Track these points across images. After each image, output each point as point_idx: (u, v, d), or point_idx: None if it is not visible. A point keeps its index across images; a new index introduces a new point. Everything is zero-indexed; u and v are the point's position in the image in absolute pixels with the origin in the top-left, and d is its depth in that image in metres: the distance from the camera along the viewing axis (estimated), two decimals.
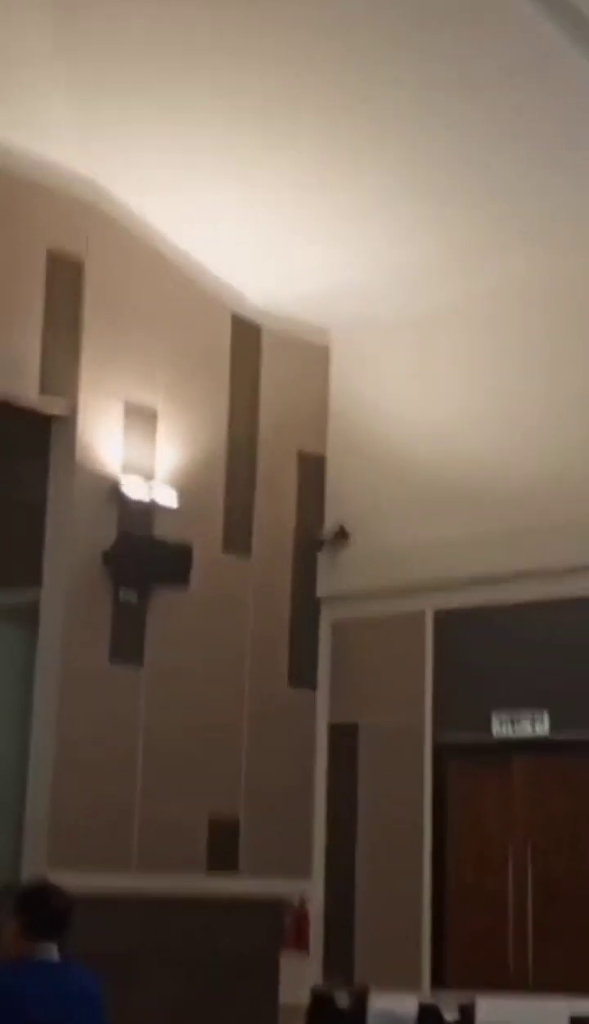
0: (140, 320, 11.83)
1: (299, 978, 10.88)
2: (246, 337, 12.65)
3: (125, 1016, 8.33)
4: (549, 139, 10.34)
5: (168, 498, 11.70)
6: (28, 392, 11.13)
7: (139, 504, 11.55)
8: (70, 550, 11.24)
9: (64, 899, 4.34)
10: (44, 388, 11.19)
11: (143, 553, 11.44)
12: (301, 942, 12.02)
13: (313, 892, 12.28)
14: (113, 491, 11.42)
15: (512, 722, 11.50)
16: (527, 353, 11.98)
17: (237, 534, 12.40)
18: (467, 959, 11.30)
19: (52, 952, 4.26)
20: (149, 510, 11.64)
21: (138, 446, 11.69)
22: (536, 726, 11.39)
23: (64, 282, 11.37)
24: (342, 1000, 6.05)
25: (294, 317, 12.84)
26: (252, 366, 12.69)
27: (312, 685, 12.70)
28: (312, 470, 12.99)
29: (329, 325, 13.02)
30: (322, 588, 12.84)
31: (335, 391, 13.12)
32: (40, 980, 4.18)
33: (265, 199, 11.40)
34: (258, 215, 11.58)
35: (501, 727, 11.55)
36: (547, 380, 11.83)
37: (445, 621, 11.99)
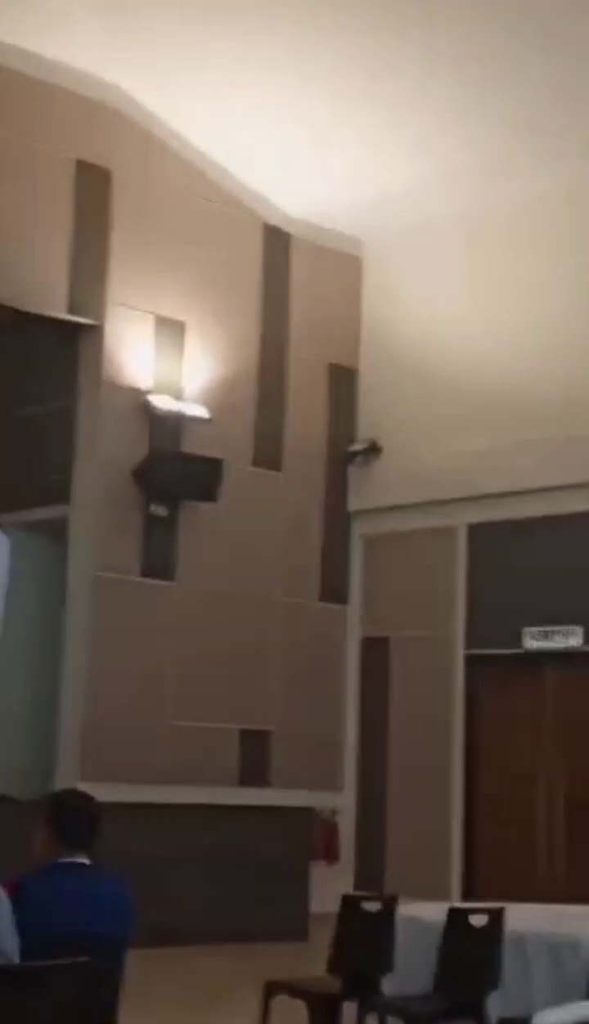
0: (169, 230, 11.68)
1: (330, 887, 10.97)
2: (277, 247, 12.49)
3: (157, 922, 8.44)
4: (578, 51, 10.09)
5: (198, 412, 11.62)
6: (56, 306, 11.03)
7: (168, 419, 11.48)
8: (99, 466, 11.21)
9: (93, 806, 4.35)
10: (72, 301, 11.09)
11: (173, 468, 11.39)
12: (330, 852, 12.15)
13: (344, 804, 12.38)
14: (142, 406, 11.35)
15: (544, 635, 11.47)
16: (563, 263, 11.78)
17: (267, 448, 12.33)
18: (497, 869, 11.39)
19: (82, 859, 4.28)
20: (178, 425, 11.58)
21: (167, 360, 11.60)
22: (569, 639, 11.36)
23: (92, 192, 11.22)
24: (372, 907, 6.07)
25: (326, 226, 12.66)
26: (283, 277, 12.53)
27: (343, 599, 12.70)
28: (344, 383, 12.87)
29: (362, 235, 12.84)
30: (353, 502, 12.79)
31: (368, 303, 12.96)
32: (69, 885, 4.20)
33: (297, 107, 11.18)
34: (290, 123, 11.37)
35: (533, 640, 11.53)
36: (585, 290, 11.63)
37: (478, 535, 11.93)
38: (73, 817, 4.37)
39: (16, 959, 3.75)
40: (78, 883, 4.28)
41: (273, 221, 12.45)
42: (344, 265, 12.89)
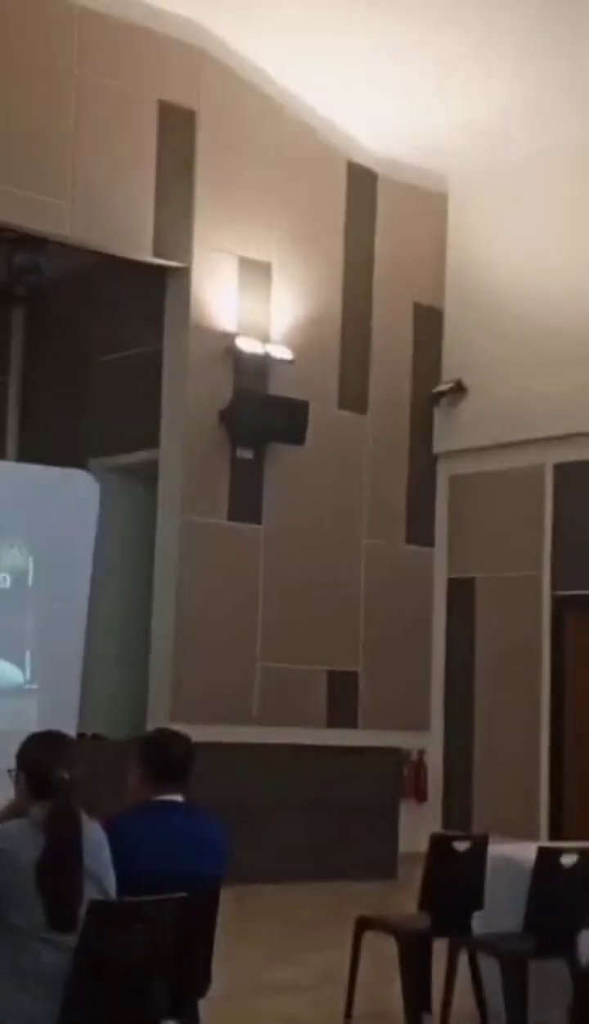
0: (253, 171, 11.63)
1: (418, 828, 11.05)
2: (362, 186, 12.38)
3: (248, 860, 8.55)
4: None
5: (283, 354, 11.61)
6: (142, 249, 11.04)
7: (254, 361, 11.48)
8: (187, 410, 11.25)
9: (186, 745, 4.39)
10: (158, 244, 11.09)
11: (259, 411, 11.40)
12: (419, 792, 12.22)
13: (432, 744, 12.43)
14: (228, 349, 11.36)
15: None
16: None
17: (353, 390, 12.30)
18: (585, 808, 11.37)
19: (177, 797, 4.34)
20: (264, 367, 11.57)
21: (253, 302, 11.57)
22: None
23: (176, 133, 11.19)
24: (461, 846, 6.10)
25: (412, 164, 12.51)
26: (368, 216, 12.43)
27: (430, 541, 12.68)
28: (429, 323, 12.77)
29: (448, 172, 12.67)
30: (439, 444, 12.73)
31: (453, 241, 12.82)
32: (164, 824, 4.26)
33: (382, 43, 11.01)
34: (374, 59, 11.21)
35: None
36: None
37: (565, 474, 11.83)
38: (167, 756, 4.42)
39: (113, 894, 3.83)
40: (173, 821, 4.34)
41: (358, 159, 12.34)
42: (429, 203, 12.74)
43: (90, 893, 3.71)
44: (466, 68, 11.16)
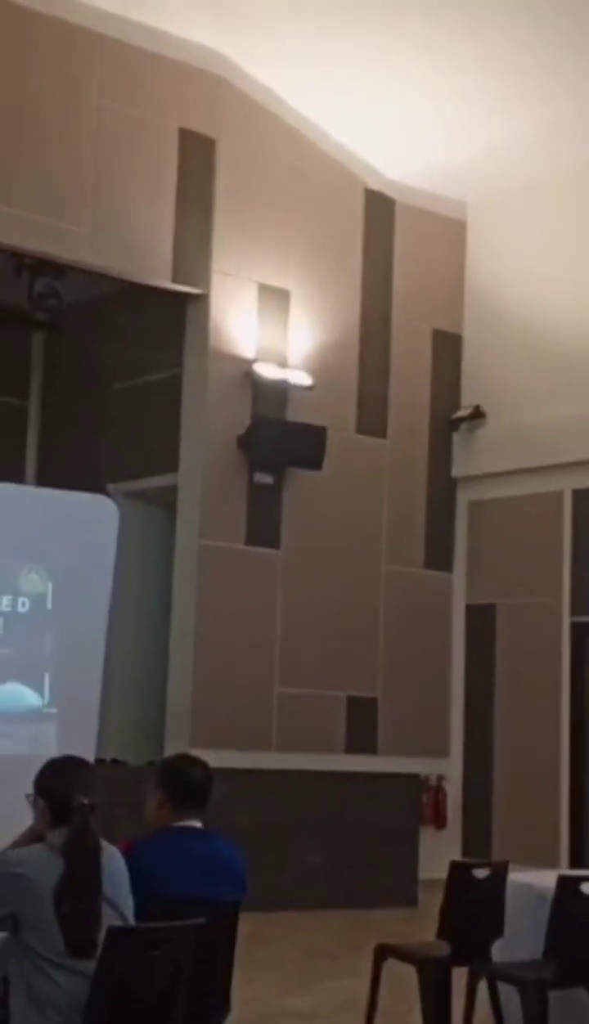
0: (272, 198, 11.67)
1: (437, 854, 11.00)
2: (380, 212, 12.42)
3: (267, 886, 8.53)
4: None
5: (302, 380, 11.63)
6: (162, 275, 11.09)
7: (273, 386, 11.50)
8: (205, 434, 11.27)
9: (205, 770, 4.38)
10: (177, 270, 11.13)
11: (278, 436, 11.42)
12: (438, 818, 12.17)
13: (451, 771, 12.38)
14: (247, 374, 11.39)
15: None
16: None
17: (371, 415, 12.31)
18: None
19: (196, 822, 4.34)
20: (283, 392, 11.60)
21: (271, 328, 11.61)
22: None
23: (196, 160, 11.24)
24: (481, 873, 6.07)
25: (430, 191, 12.54)
26: (386, 242, 12.47)
27: (449, 567, 12.66)
28: (448, 349, 12.78)
29: (465, 197, 12.70)
30: (458, 469, 12.73)
31: (472, 267, 12.84)
32: (183, 849, 4.26)
33: (399, 71, 11.06)
34: (391, 87, 11.25)
35: None
36: None
37: (584, 500, 11.80)
38: (186, 781, 4.42)
39: (132, 920, 3.82)
40: (193, 846, 4.33)
41: (375, 186, 12.38)
42: (447, 228, 12.78)
43: (109, 919, 3.70)
44: (483, 94, 11.20)
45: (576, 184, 12.04)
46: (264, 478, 11.50)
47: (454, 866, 6.12)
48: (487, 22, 10.44)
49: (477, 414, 12.53)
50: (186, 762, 4.57)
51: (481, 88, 11.12)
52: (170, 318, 11.54)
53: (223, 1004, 4.31)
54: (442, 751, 12.36)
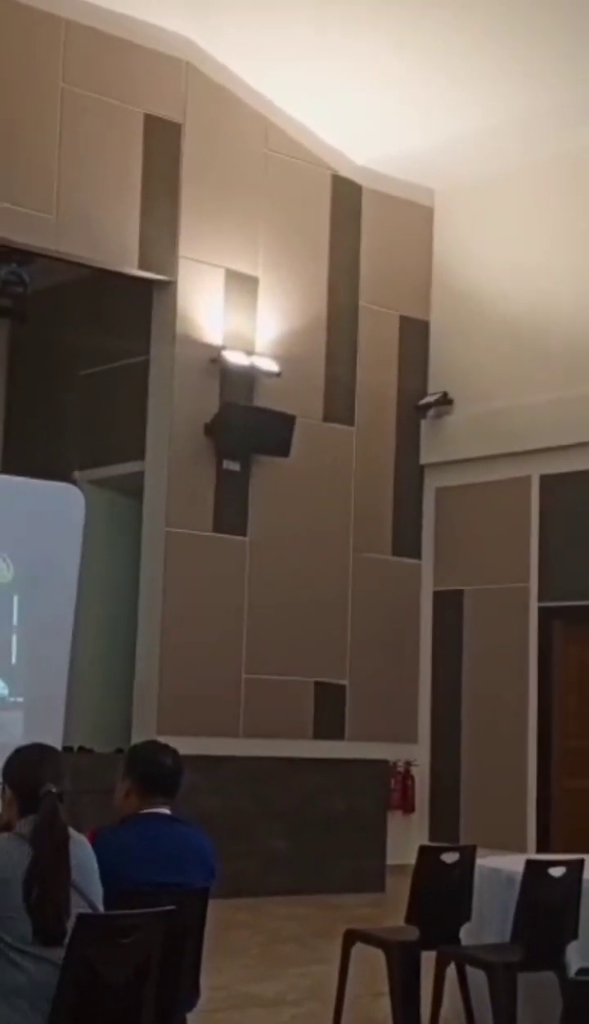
0: (239, 183, 11.64)
1: (405, 840, 11.05)
2: (347, 198, 12.40)
3: (235, 873, 8.54)
4: None
5: (269, 366, 11.61)
6: (128, 262, 11.04)
7: (240, 373, 11.49)
8: (172, 421, 11.25)
9: (175, 758, 4.37)
10: (143, 256, 11.10)
11: (245, 423, 11.40)
12: (406, 804, 12.20)
13: (419, 756, 12.42)
14: (214, 361, 11.36)
15: None
16: None
17: (339, 402, 12.31)
18: (571, 821, 11.37)
19: (164, 810, 4.33)
20: (250, 379, 11.58)
21: (238, 314, 11.58)
22: None
23: (162, 146, 11.20)
24: (450, 858, 6.09)
25: (397, 177, 12.53)
26: (353, 229, 12.45)
27: (416, 553, 12.68)
28: (415, 336, 12.79)
29: (432, 184, 12.70)
30: (426, 455, 12.75)
31: (439, 254, 12.85)
32: (153, 835, 4.25)
33: (367, 57, 11.04)
34: (359, 73, 11.24)
35: None
36: None
37: (551, 486, 11.85)
38: (155, 768, 4.40)
39: (100, 907, 3.81)
40: (161, 833, 4.32)
41: (343, 172, 12.36)
42: (415, 215, 12.78)
43: (77, 906, 3.69)
44: (451, 82, 11.20)
45: (543, 172, 12.06)
46: (231, 465, 11.49)
47: (423, 851, 6.14)
48: (456, 10, 10.44)
49: (444, 401, 12.56)
50: (155, 749, 4.55)
51: (448, 75, 11.12)
52: (137, 305, 11.50)
53: (192, 991, 4.30)
54: (410, 737, 12.40)
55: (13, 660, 10.14)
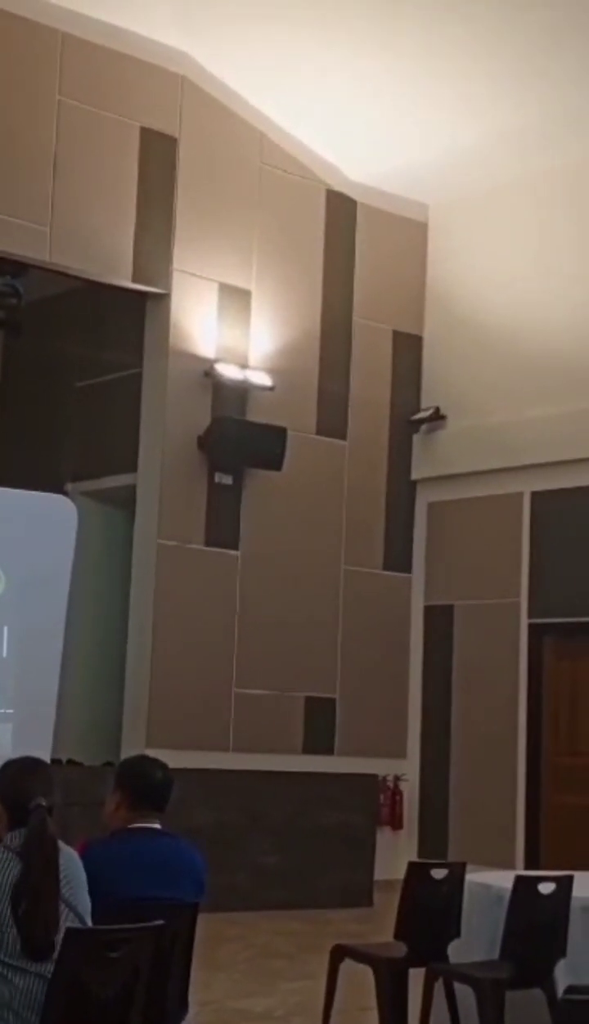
0: (234, 198, 11.66)
1: (394, 855, 11.04)
2: (342, 213, 12.43)
3: (223, 886, 8.51)
4: None
5: (262, 380, 11.62)
6: (122, 274, 11.05)
7: (233, 387, 11.49)
8: (165, 435, 11.25)
9: (165, 772, 4.37)
10: (137, 269, 11.11)
11: (237, 436, 11.41)
12: (394, 820, 12.18)
13: (408, 772, 12.40)
14: (207, 374, 11.37)
15: None
16: None
17: (332, 416, 12.32)
18: (560, 838, 11.36)
19: (154, 824, 4.33)
20: (243, 392, 11.59)
21: (232, 328, 11.60)
22: None
23: (157, 159, 11.22)
24: (439, 874, 6.08)
25: (392, 192, 12.57)
26: (347, 243, 12.48)
27: (408, 568, 12.68)
28: (408, 350, 12.81)
29: (427, 199, 12.73)
30: (418, 470, 12.76)
31: (433, 268, 12.88)
32: (142, 849, 4.25)
33: (362, 72, 11.08)
34: (354, 88, 11.28)
35: None
36: None
37: (543, 502, 11.86)
38: (146, 782, 4.40)
39: (89, 921, 3.80)
40: (150, 847, 4.32)
41: (337, 187, 12.39)
42: (409, 230, 12.81)
43: (66, 920, 3.68)
44: (446, 97, 11.24)
45: (537, 187, 12.10)
46: (224, 478, 11.49)
47: (412, 866, 6.13)
48: (451, 26, 10.48)
49: (437, 416, 12.57)
50: (145, 763, 4.56)
51: (444, 91, 11.16)
52: (130, 317, 11.51)
53: (181, 1006, 4.29)
54: (399, 752, 12.38)
55: (3, 672, 10.13)
